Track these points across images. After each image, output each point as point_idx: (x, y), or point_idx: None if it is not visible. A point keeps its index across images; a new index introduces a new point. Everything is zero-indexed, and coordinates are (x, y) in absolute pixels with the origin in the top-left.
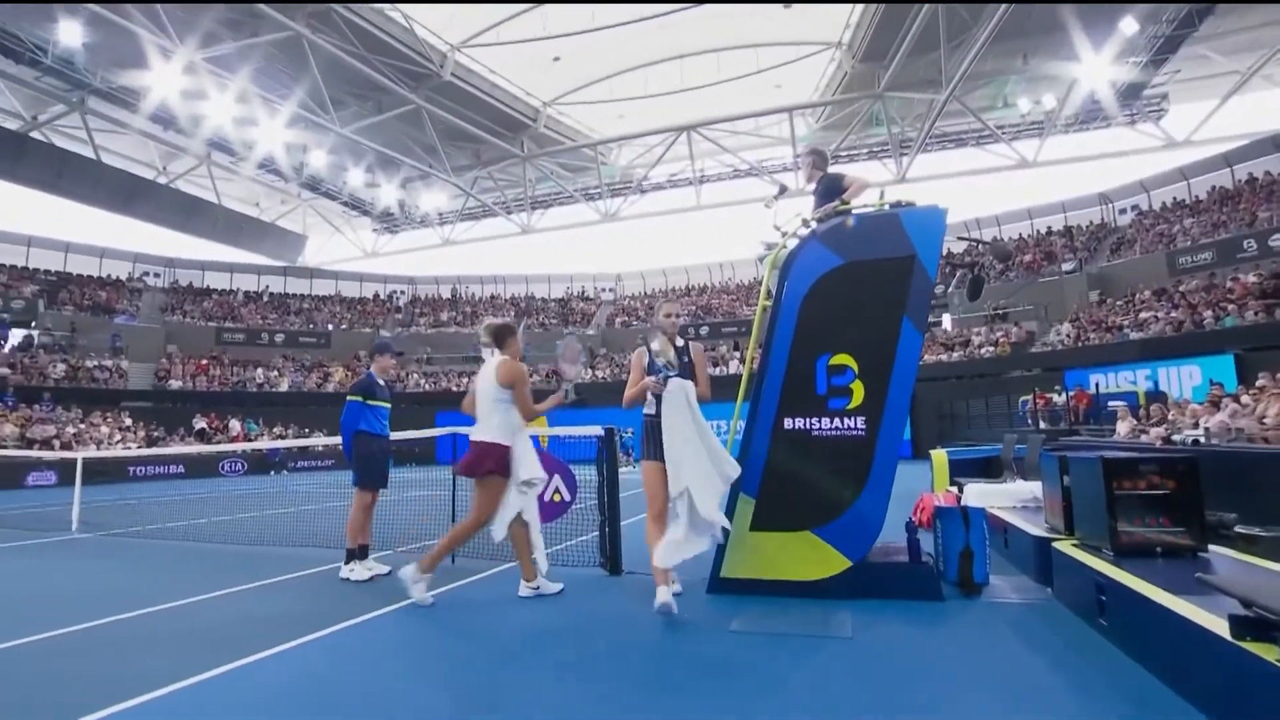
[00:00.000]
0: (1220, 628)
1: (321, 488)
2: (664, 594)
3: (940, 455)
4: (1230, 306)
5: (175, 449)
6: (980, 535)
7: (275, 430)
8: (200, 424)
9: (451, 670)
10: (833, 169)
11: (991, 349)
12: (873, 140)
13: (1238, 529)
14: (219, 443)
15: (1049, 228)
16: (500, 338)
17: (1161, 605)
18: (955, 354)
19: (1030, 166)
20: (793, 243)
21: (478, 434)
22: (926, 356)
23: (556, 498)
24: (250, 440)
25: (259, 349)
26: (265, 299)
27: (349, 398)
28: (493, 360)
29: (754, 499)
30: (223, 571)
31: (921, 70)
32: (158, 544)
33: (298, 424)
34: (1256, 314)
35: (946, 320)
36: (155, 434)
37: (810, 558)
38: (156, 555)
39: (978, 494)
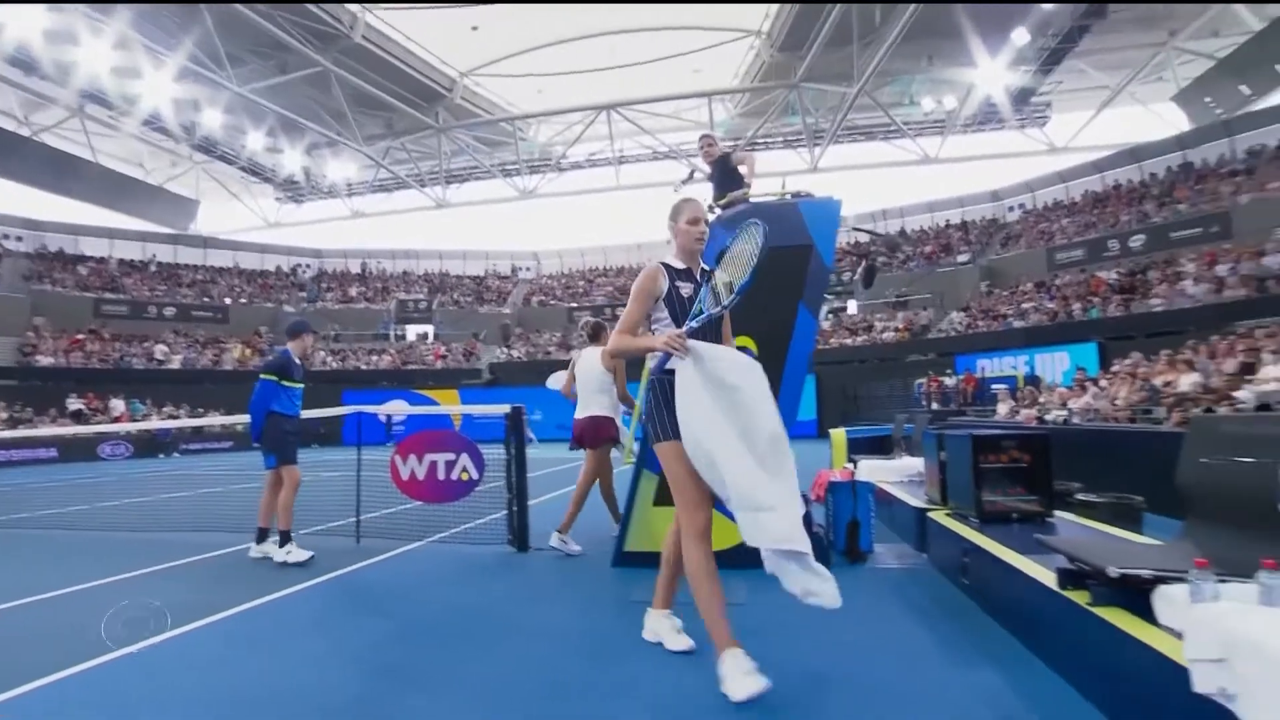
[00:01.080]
0: (1050, 580)
1: (220, 470)
2: (752, 680)
3: (839, 434)
4: (1095, 300)
5: (46, 430)
6: (866, 507)
7: (165, 410)
8: (76, 404)
9: (353, 651)
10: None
11: (893, 334)
12: (788, 129)
13: (1079, 496)
14: (99, 424)
15: (947, 221)
16: (597, 332)
17: (1006, 563)
18: (859, 338)
19: (932, 162)
20: None
21: (587, 411)
22: (833, 340)
23: (464, 476)
24: (136, 421)
25: (146, 323)
26: (153, 269)
27: (262, 376)
28: (593, 351)
29: (657, 476)
30: (103, 560)
31: (836, 64)
32: (23, 534)
33: (191, 403)
34: (1117, 307)
35: (852, 306)
36: (20, 415)
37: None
38: (22, 545)
39: (868, 470)
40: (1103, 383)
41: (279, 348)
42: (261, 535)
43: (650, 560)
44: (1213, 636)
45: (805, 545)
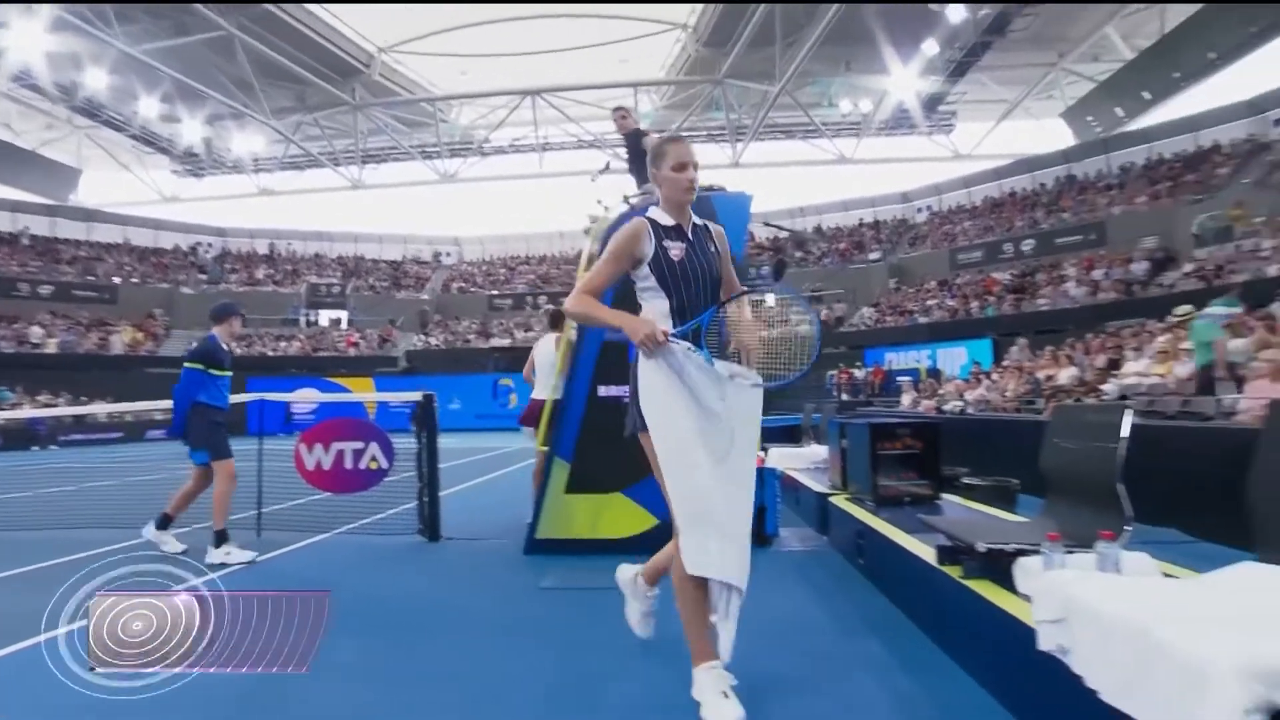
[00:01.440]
0: (931, 556)
1: (107, 462)
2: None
3: None
4: (991, 298)
5: None
6: (772, 493)
7: (41, 398)
8: None
9: None
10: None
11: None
12: (712, 124)
13: (964, 480)
14: None
15: (860, 220)
16: (557, 320)
17: (895, 542)
18: (776, 330)
19: (847, 163)
20: (614, 216)
21: (545, 394)
22: None
23: (373, 465)
24: (3, 410)
25: (17, 302)
26: (25, 242)
27: (187, 364)
28: (551, 337)
29: (569, 463)
30: None
31: (759, 63)
32: None
33: (72, 391)
34: (1010, 306)
35: (770, 299)
36: None
37: (621, 517)
38: None
39: (778, 457)
40: (995, 376)
41: (202, 332)
42: (163, 521)
43: (563, 547)
44: (1054, 600)
45: (742, 584)
